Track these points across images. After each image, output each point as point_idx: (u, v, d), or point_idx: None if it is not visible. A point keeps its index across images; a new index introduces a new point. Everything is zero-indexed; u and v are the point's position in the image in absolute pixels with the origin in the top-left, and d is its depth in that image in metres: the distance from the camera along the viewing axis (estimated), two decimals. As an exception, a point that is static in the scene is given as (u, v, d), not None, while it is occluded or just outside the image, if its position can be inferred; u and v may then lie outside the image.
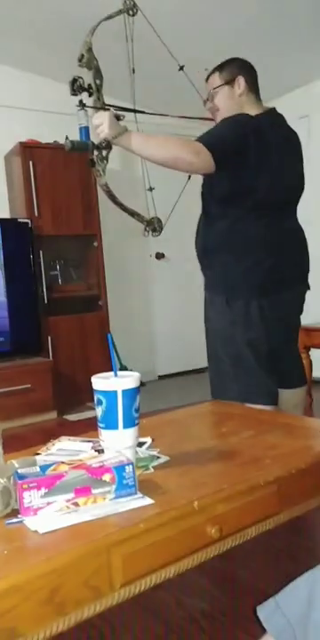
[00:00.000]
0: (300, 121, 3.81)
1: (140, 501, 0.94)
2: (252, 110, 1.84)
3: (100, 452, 1.12)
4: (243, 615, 1.37)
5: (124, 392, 1.03)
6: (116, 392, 1.03)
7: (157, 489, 1.01)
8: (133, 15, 1.80)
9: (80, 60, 1.71)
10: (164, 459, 1.18)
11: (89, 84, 1.73)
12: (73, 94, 1.71)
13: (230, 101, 1.88)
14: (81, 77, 1.71)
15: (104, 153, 1.73)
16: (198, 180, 1.89)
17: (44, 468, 0.96)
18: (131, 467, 0.96)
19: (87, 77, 1.73)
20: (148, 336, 5.05)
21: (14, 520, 0.90)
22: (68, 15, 3.41)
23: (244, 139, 1.72)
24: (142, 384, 1.13)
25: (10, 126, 4.09)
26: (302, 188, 1.96)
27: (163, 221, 1.89)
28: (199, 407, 1.75)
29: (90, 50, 1.71)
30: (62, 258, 4.36)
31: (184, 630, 1.39)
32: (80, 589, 0.80)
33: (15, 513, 0.92)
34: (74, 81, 1.70)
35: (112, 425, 1.04)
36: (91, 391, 1.06)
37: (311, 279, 1.96)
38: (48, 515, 0.89)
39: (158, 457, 1.18)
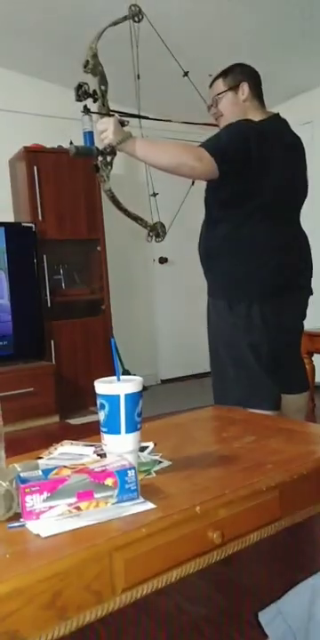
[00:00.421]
0: (304, 127, 3.81)
1: (142, 506, 0.94)
2: (256, 116, 1.85)
3: (103, 456, 1.12)
4: (244, 620, 1.37)
5: (127, 396, 1.03)
6: (118, 396, 1.03)
7: (159, 493, 1.01)
8: (139, 22, 1.81)
9: (85, 66, 1.72)
10: (166, 463, 1.18)
11: (94, 90, 1.74)
12: (78, 100, 1.72)
13: (234, 107, 1.89)
14: (86, 83, 1.72)
15: (108, 158, 1.74)
16: (202, 186, 1.89)
17: (46, 471, 0.97)
18: (133, 471, 0.96)
19: (92, 83, 1.74)
20: (150, 340, 5.05)
21: (16, 524, 0.90)
22: (73, 21, 3.43)
23: (247, 144, 1.72)
24: (145, 388, 1.13)
25: (14, 131, 4.12)
26: (306, 194, 1.96)
27: (166, 226, 1.89)
28: (201, 412, 1.75)
29: (95, 56, 1.72)
30: (66, 262, 4.38)
31: (185, 635, 1.39)
32: (82, 594, 0.80)
33: (17, 517, 0.92)
34: (79, 87, 1.71)
35: (114, 429, 1.04)
36: (93, 395, 1.06)
37: (314, 284, 1.96)
38: (50, 519, 0.90)
39: (160, 461, 1.19)
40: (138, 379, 1.07)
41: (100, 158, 1.74)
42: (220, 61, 1.97)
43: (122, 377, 1.08)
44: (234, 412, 1.66)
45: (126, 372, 4.18)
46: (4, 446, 1.08)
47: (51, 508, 0.90)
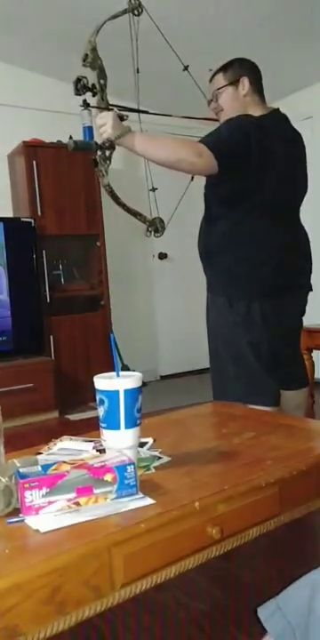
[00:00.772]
0: (304, 122, 3.80)
1: (142, 501, 0.94)
2: (256, 111, 1.84)
3: (102, 451, 1.12)
4: (243, 616, 1.37)
5: (126, 392, 1.03)
6: (118, 392, 1.03)
7: (158, 489, 1.01)
8: (138, 15, 1.80)
9: (84, 60, 1.71)
10: (165, 459, 1.18)
11: (93, 84, 1.73)
12: (77, 94, 1.72)
13: (234, 102, 1.88)
14: (85, 77, 1.72)
15: (107, 153, 1.74)
16: (201, 181, 1.89)
17: (45, 467, 0.96)
18: (132, 467, 0.96)
19: (91, 77, 1.73)
20: (150, 336, 5.05)
21: (16, 519, 0.90)
22: (73, 14, 3.41)
23: (247, 140, 1.71)
24: (144, 384, 1.13)
25: (13, 126, 4.10)
26: (305, 190, 1.96)
27: (165, 222, 1.89)
28: (201, 408, 1.75)
29: (94, 49, 1.71)
30: (65, 257, 4.37)
31: (184, 631, 1.39)
32: (81, 589, 0.80)
33: (16, 512, 0.92)
34: (78, 81, 1.70)
35: (114, 425, 1.04)
36: (93, 391, 1.06)
37: (314, 280, 1.96)
38: (49, 514, 0.90)
39: (160, 457, 1.19)
40: (137, 374, 1.07)
41: (98, 153, 1.74)
42: (220, 56, 1.96)
43: (121, 372, 1.08)
44: (233, 408, 1.66)
45: (126, 368, 4.18)
46: (4, 442, 1.08)
47: (50, 503, 0.90)
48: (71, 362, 4.13)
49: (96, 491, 0.93)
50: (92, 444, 1.24)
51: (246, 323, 1.80)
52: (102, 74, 1.73)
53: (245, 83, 1.86)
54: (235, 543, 1.01)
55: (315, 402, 3.47)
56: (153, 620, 1.42)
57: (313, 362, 3.39)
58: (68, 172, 4.13)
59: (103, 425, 1.05)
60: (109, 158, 1.75)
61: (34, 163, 3.97)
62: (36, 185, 3.98)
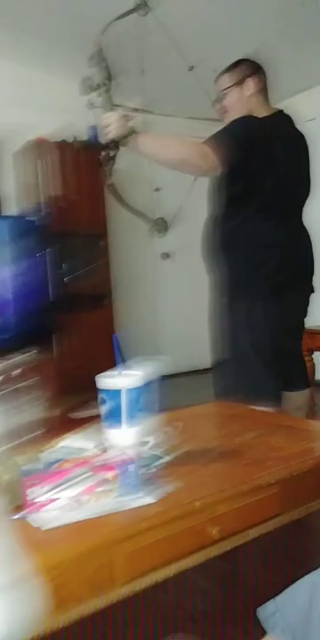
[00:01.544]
0: (308, 123, 3.79)
1: (142, 500, 0.95)
2: (261, 112, 1.85)
3: (104, 450, 1.12)
4: (243, 616, 1.38)
5: (128, 391, 1.04)
6: (120, 391, 1.03)
7: (159, 488, 1.01)
8: (144, 15, 1.80)
9: (90, 60, 1.72)
10: (166, 458, 1.18)
11: (98, 84, 1.74)
12: (82, 94, 1.72)
13: (239, 103, 1.88)
14: (91, 77, 1.72)
15: (111, 153, 1.74)
16: (204, 181, 1.89)
17: (47, 465, 0.97)
18: (134, 465, 0.97)
19: (97, 77, 1.74)
20: (152, 335, 5.05)
21: (18, 516, 0.91)
22: (79, 14, 3.42)
23: (251, 141, 1.72)
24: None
25: (19, 124, 4.11)
26: (309, 190, 1.96)
27: (169, 221, 1.89)
28: (203, 407, 1.75)
29: (100, 50, 1.72)
30: (69, 256, 4.37)
31: (184, 630, 1.40)
32: (82, 586, 0.81)
33: (19, 509, 0.93)
34: (83, 81, 1.71)
35: (116, 424, 1.04)
36: (95, 389, 1.07)
37: (316, 282, 1.96)
38: (51, 511, 0.90)
39: (161, 456, 1.19)
40: (139, 374, 1.08)
41: (103, 153, 1.74)
42: (224, 57, 1.96)
43: (123, 372, 1.09)
44: (235, 409, 1.67)
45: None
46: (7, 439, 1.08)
47: (52, 500, 0.91)
48: (74, 360, 4.13)
49: (98, 489, 0.93)
50: (94, 443, 1.25)
51: (248, 323, 1.81)
52: (108, 74, 1.74)
53: (250, 83, 1.86)
54: (234, 543, 1.01)
55: (316, 403, 3.47)
56: (152, 618, 1.43)
57: (314, 363, 3.39)
58: (72, 172, 4.13)
59: (105, 423, 1.06)
60: (113, 158, 1.75)
61: (39, 162, 3.98)
62: (41, 183, 3.98)
